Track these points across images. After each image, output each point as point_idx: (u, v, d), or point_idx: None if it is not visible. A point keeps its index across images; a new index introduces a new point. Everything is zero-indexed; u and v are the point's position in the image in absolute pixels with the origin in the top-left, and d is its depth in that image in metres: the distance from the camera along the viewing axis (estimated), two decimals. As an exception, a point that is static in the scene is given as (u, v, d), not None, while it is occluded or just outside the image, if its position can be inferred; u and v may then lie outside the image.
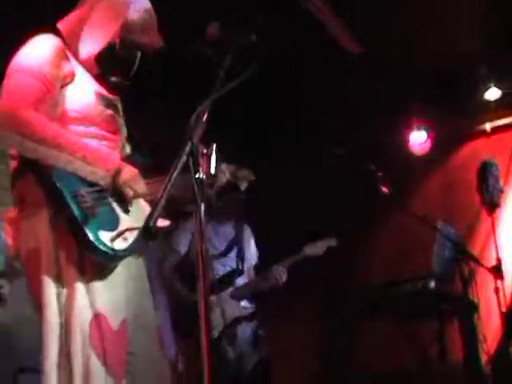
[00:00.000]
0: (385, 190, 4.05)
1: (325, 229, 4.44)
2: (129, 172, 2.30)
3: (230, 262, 4.11)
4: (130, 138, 2.60)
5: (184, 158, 1.79)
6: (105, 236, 2.14)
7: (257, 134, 5.20)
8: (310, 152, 5.21)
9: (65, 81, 2.34)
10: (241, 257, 4.15)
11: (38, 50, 2.31)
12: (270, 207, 5.57)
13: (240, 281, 4.08)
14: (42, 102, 2.22)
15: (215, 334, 3.71)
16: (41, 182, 2.18)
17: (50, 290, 2.13)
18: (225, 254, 4.11)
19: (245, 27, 2.20)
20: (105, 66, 2.45)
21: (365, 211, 5.40)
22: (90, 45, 2.40)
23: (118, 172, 2.26)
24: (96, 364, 2.08)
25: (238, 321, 3.87)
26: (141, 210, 2.40)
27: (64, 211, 2.12)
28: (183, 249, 4.06)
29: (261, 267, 4.22)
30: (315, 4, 4.27)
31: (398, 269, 5.06)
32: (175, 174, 1.73)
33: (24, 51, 2.32)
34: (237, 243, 4.19)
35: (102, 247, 2.11)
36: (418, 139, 5.50)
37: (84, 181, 2.19)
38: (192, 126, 1.88)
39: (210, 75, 2.04)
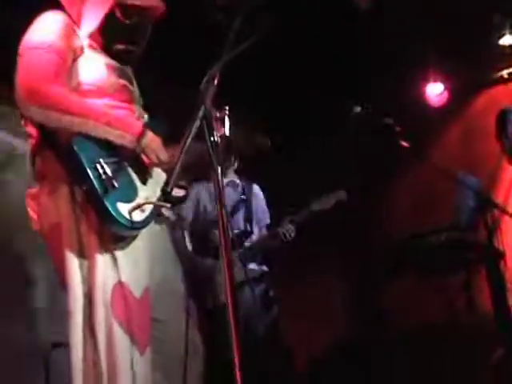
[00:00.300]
0: (404, 143, 4.02)
1: (344, 185, 4.41)
2: (153, 138, 2.33)
3: (237, 223, 4.07)
4: (146, 107, 2.59)
5: (197, 123, 1.80)
6: (123, 207, 2.15)
7: (272, 95, 5.16)
8: (326, 109, 5.16)
9: (76, 54, 2.35)
10: (248, 217, 4.12)
11: (47, 27, 2.32)
12: (289, 167, 5.60)
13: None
14: (59, 75, 2.25)
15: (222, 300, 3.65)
16: (60, 156, 2.21)
17: (73, 262, 2.17)
18: (230, 215, 4.02)
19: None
20: (109, 37, 2.45)
21: (385, 166, 5.38)
22: (92, 17, 2.40)
23: (143, 136, 2.28)
24: (119, 332, 2.11)
25: (244, 283, 3.80)
26: (158, 180, 2.40)
27: (84, 183, 2.14)
28: (189, 216, 4.06)
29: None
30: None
31: (421, 221, 5.02)
32: (189, 138, 1.75)
33: (33, 29, 2.33)
34: (244, 203, 4.15)
35: (120, 219, 2.13)
36: (435, 91, 5.43)
37: (103, 152, 2.21)
38: (203, 90, 1.88)
39: (221, 39, 2.05)
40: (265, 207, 4.26)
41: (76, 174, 2.17)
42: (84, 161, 2.14)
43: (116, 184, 2.15)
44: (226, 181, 4.09)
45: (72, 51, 2.33)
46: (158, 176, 2.42)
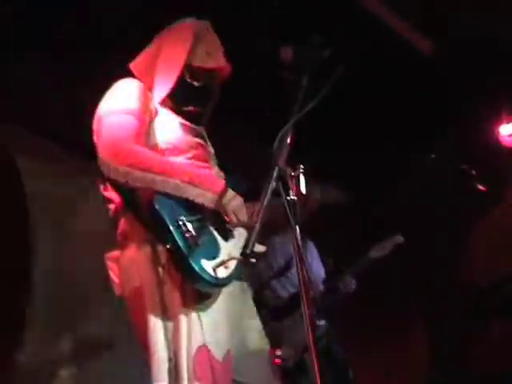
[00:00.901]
0: (481, 187, 3.93)
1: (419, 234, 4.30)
2: (233, 197, 2.32)
3: (293, 280, 3.90)
4: (222, 167, 2.61)
5: (273, 184, 1.80)
6: (207, 265, 2.14)
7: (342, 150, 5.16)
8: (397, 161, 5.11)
9: (152, 117, 2.40)
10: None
11: (124, 93, 2.40)
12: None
13: None
14: (140, 136, 2.30)
15: (290, 362, 3.60)
16: (142, 216, 2.24)
17: (157, 327, 2.15)
18: (283, 272, 3.96)
19: (317, 46, 2.20)
20: (179, 100, 2.49)
21: (461, 211, 5.25)
22: (164, 82, 2.45)
23: (224, 195, 2.29)
24: None
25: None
26: (239, 236, 2.40)
27: (167, 241, 2.14)
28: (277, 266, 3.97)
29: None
30: (381, 10, 4.25)
31: (500, 265, 4.86)
32: (266, 200, 1.75)
33: (110, 95, 2.41)
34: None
35: (206, 277, 2.12)
36: (508, 131, 5.30)
37: (184, 210, 2.21)
38: (276, 150, 1.89)
39: (291, 96, 2.07)
40: (320, 262, 4.17)
41: (159, 233, 2.18)
42: (166, 219, 2.14)
43: (199, 241, 2.14)
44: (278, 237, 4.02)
45: (149, 113, 2.39)
46: (239, 231, 2.41)
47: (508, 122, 5.27)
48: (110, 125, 2.30)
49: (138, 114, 2.32)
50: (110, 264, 2.38)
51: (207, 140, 2.61)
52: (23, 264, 3.84)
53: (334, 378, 3.71)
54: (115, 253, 2.37)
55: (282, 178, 1.85)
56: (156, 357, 2.13)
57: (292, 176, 1.93)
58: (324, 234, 4.30)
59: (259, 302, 3.71)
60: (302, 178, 1.95)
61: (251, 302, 2.49)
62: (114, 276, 2.35)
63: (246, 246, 1.70)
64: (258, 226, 1.70)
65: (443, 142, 4.70)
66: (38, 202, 3.95)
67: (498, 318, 4.45)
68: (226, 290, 2.29)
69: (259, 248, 2.42)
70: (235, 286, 2.39)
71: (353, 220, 5.43)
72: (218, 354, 2.16)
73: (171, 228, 2.13)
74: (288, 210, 1.84)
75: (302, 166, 1.96)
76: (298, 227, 1.84)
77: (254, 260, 2.23)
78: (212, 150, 2.60)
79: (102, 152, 2.24)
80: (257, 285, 3.88)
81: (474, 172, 3.91)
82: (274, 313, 3.80)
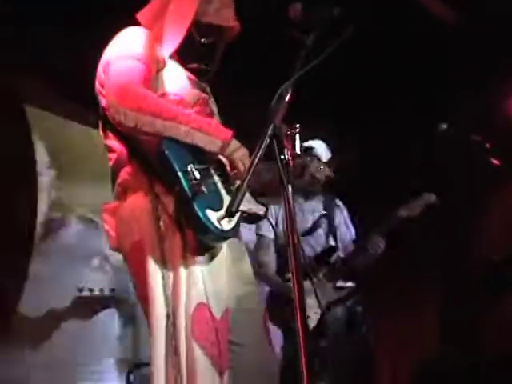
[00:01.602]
0: (495, 161, 3.84)
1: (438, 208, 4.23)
2: (240, 147, 2.30)
3: (319, 240, 3.90)
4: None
5: (267, 141, 1.76)
6: (212, 215, 2.10)
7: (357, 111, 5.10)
8: (413, 127, 5.03)
9: (159, 65, 2.36)
10: (332, 232, 3.94)
11: (131, 39, 2.36)
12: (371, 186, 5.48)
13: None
14: (149, 81, 2.26)
15: (311, 323, 3.53)
16: (147, 165, 2.20)
17: (157, 282, 2.12)
18: (311, 231, 3.92)
19: (327, 4, 2.14)
20: (185, 55, 2.45)
21: (476, 186, 5.17)
22: (173, 36, 2.40)
23: (234, 143, 2.27)
24: (200, 356, 2.05)
25: (332, 304, 3.69)
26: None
27: (175, 187, 2.11)
28: (268, 234, 3.92)
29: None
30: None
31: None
32: (257, 157, 1.71)
33: (117, 41, 2.37)
34: (326, 219, 3.97)
35: (211, 226, 2.07)
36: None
37: (193, 158, 2.18)
38: (273, 107, 1.85)
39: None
40: (349, 222, 4.09)
41: (166, 179, 2.14)
42: (175, 164, 2.11)
43: (204, 190, 2.10)
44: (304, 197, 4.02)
45: (156, 61, 2.34)
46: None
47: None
48: (118, 69, 2.25)
49: (145, 59, 2.28)
50: (105, 216, 2.34)
51: (211, 97, 2.57)
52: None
53: (354, 341, 3.71)
54: (113, 204, 2.33)
55: (276, 136, 1.81)
56: (154, 313, 2.11)
57: (288, 135, 1.90)
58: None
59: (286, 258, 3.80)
60: (297, 138, 1.91)
61: (248, 264, 2.46)
62: (109, 229, 2.31)
63: (231, 204, 1.64)
64: (245, 183, 1.65)
65: (456, 113, 4.59)
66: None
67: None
68: (225, 249, 2.26)
69: (259, 209, 2.41)
70: (235, 246, 2.36)
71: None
72: (216, 311, 2.13)
73: (179, 173, 2.10)
74: (281, 169, 1.81)
75: (297, 126, 1.92)
76: (290, 187, 1.81)
77: (263, 212, 2.27)
78: (215, 108, 2.56)
79: (111, 96, 2.20)
80: (283, 243, 3.83)
81: (487, 145, 3.81)
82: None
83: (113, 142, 2.32)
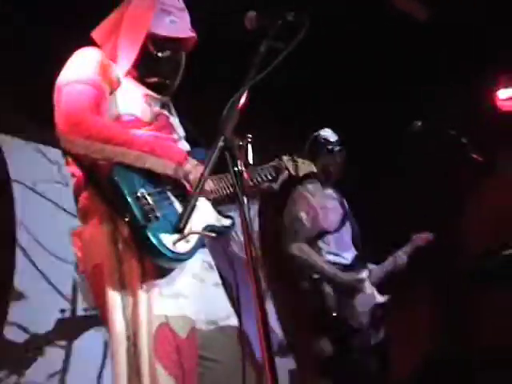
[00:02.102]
0: (476, 157, 3.82)
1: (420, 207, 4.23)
2: (195, 166, 2.25)
3: (345, 240, 3.95)
4: (189, 138, 2.52)
5: (217, 153, 1.72)
6: (167, 239, 2.06)
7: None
8: (387, 129, 5.01)
9: (112, 87, 2.32)
10: (354, 237, 4.01)
11: (82, 62, 2.31)
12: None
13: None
14: (99, 107, 2.22)
15: (362, 321, 3.67)
16: (102, 190, 2.17)
17: (116, 305, 2.09)
18: (339, 229, 3.94)
19: (282, 9, 2.12)
20: (143, 70, 2.41)
21: (457, 182, 5.15)
22: (127, 52, 2.36)
23: (185, 165, 2.22)
24: (163, 375, 2.02)
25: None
26: (205, 209, 2.32)
27: (125, 215, 2.07)
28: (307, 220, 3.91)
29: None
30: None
31: (501, 234, 4.77)
32: (208, 170, 1.68)
33: (69, 65, 2.32)
34: (348, 219, 4.03)
35: (163, 251, 2.04)
36: (507, 95, 5.17)
37: (145, 182, 2.15)
38: (223, 118, 1.81)
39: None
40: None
41: (117, 206, 2.11)
42: (125, 190, 2.08)
43: (159, 214, 2.07)
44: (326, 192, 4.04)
45: (109, 84, 2.30)
46: (204, 205, 2.33)
47: (506, 87, 5.14)
48: (67, 96, 2.21)
49: (96, 83, 2.24)
50: (74, 239, 2.30)
51: (172, 110, 2.52)
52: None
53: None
54: (79, 228, 2.30)
55: (227, 148, 1.77)
56: (114, 335, 2.08)
57: (240, 146, 1.86)
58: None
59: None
60: (249, 148, 1.87)
61: (217, 278, 2.38)
62: (77, 252, 2.28)
63: (180, 220, 1.60)
64: (194, 198, 1.61)
65: (432, 107, 4.57)
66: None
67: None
68: (190, 266, 2.21)
69: (226, 221, 2.37)
70: (200, 261, 2.30)
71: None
72: (181, 330, 2.10)
73: (129, 200, 2.07)
74: (235, 181, 1.77)
75: (250, 136, 1.88)
76: (245, 198, 1.77)
77: (215, 234, 2.20)
78: (177, 121, 2.50)
79: (60, 124, 2.16)
80: (313, 233, 3.87)
81: (464, 140, 3.78)
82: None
83: (73, 168, 2.29)
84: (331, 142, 3.97)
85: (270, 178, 2.43)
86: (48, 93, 2.31)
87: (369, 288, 3.79)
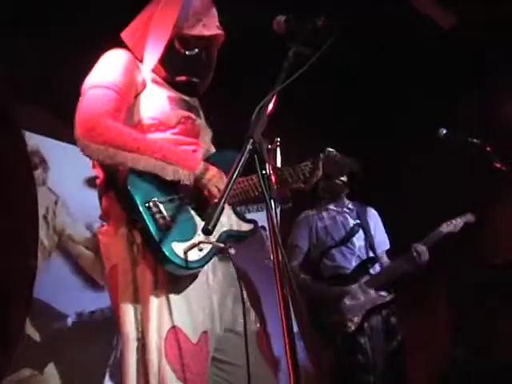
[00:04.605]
0: (498, 165, 3.79)
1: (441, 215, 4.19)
2: (213, 171, 2.23)
3: (355, 250, 3.94)
4: (216, 142, 2.52)
5: (246, 156, 1.72)
6: (178, 247, 2.07)
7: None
8: (420, 135, 4.98)
9: (138, 90, 2.34)
10: (369, 241, 3.98)
11: (108, 65, 2.33)
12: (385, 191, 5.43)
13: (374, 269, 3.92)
14: (119, 110, 2.23)
15: (352, 327, 3.65)
16: (118, 196, 2.19)
17: (128, 307, 2.11)
18: (345, 241, 3.95)
19: (311, 14, 2.12)
20: (170, 69, 2.42)
21: (482, 190, 5.10)
22: (154, 50, 2.38)
23: (201, 170, 2.21)
24: (172, 379, 2.02)
25: (372, 311, 3.75)
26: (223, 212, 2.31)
27: (139, 224, 2.09)
28: (304, 245, 4.02)
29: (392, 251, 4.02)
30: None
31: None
32: (236, 173, 1.68)
33: (95, 68, 2.34)
34: (360, 227, 4.01)
35: (174, 259, 2.05)
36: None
37: (159, 190, 2.16)
38: (253, 121, 1.81)
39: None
40: (383, 230, 4.13)
41: (131, 214, 2.13)
42: (137, 199, 2.09)
43: (171, 223, 2.08)
44: (337, 204, 4.07)
45: (134, 87, 2.32)
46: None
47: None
48: (88, 99, 2.22)
49: (119, 87, 2.25)
50: (99, 237, 2.32)
51: (200, 112, 2.52)
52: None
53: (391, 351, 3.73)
54: (104, 228, 2.32)
55: (256, 151, 1.76)
56: (124, 335, 2.10)
57: (269, 149, 1.86)
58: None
59: (318, 271, 3.89)
60: (278, 152, 1.87)
61: (236, 283, 2.31)
62: (102, 249, 2.30)
63: (207, 222, 1.59)
64: (223, 200, 1.60)
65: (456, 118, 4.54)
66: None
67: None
68: (206, 270, 2.21)
69: (246, 226, 2.35)
70: (218, 265, 2.29)
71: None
72: (191, 335, 2.10)
73: (141, 209, 2.08)
74: (263, 184, 1.76)
75: (278, 139, 1.88)
76: (272, 202, 1.76)
77: (232, 251, 2.17)
78: (203, 124, 2.49)
79: (77, 127, 2.17)
80: (317, 253, 3.97)
81: (488, 148, 3.75)
82: (335, 279, 3.84)
83: (97, 170, 2.31)
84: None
85: (302, 178, 2.39)
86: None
87: (362, 294, 3.76)
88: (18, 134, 4.00)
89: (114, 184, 2.21)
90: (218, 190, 2.17)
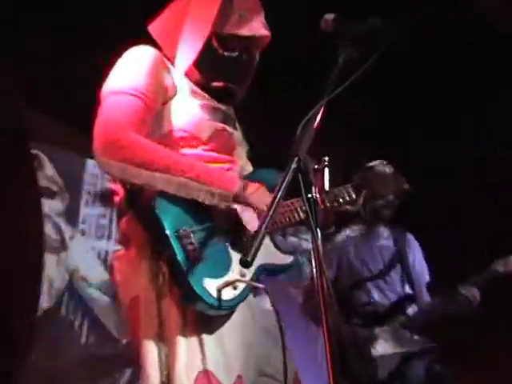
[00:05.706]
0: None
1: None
2: (254, 186, 1.96)
3: (392, 284, 3.57)
4: (254, 155, 2.25)
5: (289, 177, 1.50)
6: (211, 284, 1.81)
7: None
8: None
9: (167, 96, 2.04)
10: (407, 274, 3.60)
11: (131, 66, 2.02)
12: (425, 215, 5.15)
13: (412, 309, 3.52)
14: (144, 121, 1.95)
15: (384, 373, 3.28)
16: (142, 217, 1.92)
17: (151, 345, 1.84)
18: (382, 275, 3.59)
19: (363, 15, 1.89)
20: (206, 72, 2.13)
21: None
22: (189, 49, 2.10)
23: (241, 187, 1.93)
24: None
25: (409, 357, 3.36)
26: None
27: (166, 253, 1.84)
28: (329, 271, 3.59)
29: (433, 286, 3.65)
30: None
31: None
32: (279, 196, 1.45)
33: (116, 70, 2.04)
34: (398, 258, 3.63)
35: (206, 299, 1.79)
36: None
37: (191, 217, 1.89)
38: (298, 137, 1.58)
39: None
40: (423, 260, 3.75)
41: (157, 241, 1.87)
42: (166, 226, 1.83)
43: (204, 256, 1.82)
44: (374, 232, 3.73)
45: (162, 93, 2.03)
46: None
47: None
48: (108, 107, 1.94)
49: (144, 94, 1.95)
50: (114, 264, 2.04)
51: (235, 122, 2.23)
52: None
53: None
54: (121, 252, 2.04)
55: (301, 171, 1.53)
56: (147, 377, 1.82)
57: (316, 169, 1.63)
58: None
59: (347, 302, 3.51)
60: (326, 172, 1.64)
61: (268, 320, 2.02)
62: (117, 276, 2.02)
63: (246, 253, 1.36)
64: (263, 227, 1.38)
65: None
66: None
67: None
68: (239, 308, 1.92)
69: (284, 259, 2.07)
70: (251, 300, 2.01)
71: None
72: (225, 379, 1.81)
73: (170, 238, 1.81)
74: (308, 209, 1.54)
75: (327, 159, 1.65)
76: (318, 229, 1.54)
77: (261, 286, 1.90)
78: (240, 137, 2.22)
79: (95, 140, 1.88)
80: (350, 282, 3.60)
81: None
82: (367, 318, 3.49)
83: (117, 186, 2.04)
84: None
85: (348, 199, 2.16)
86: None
87: (383, 347, 3.36)
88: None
89: (135, 203, 1.95)
90: (265, 204, 1.88)
